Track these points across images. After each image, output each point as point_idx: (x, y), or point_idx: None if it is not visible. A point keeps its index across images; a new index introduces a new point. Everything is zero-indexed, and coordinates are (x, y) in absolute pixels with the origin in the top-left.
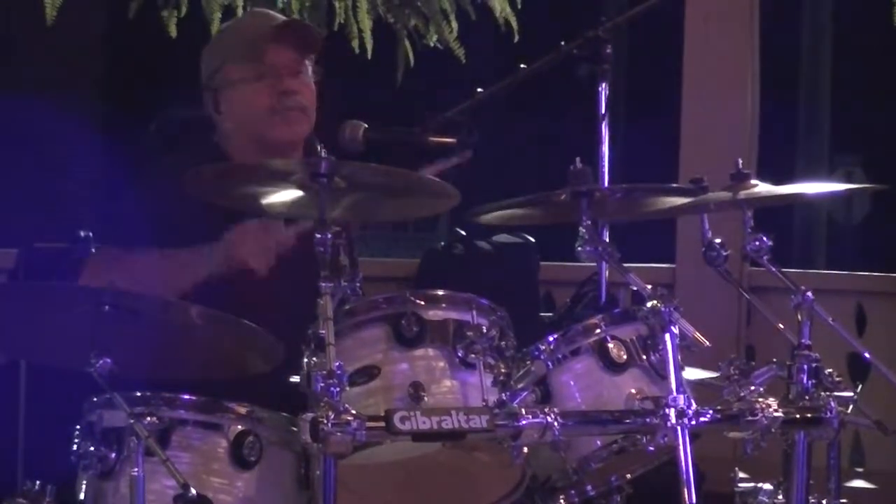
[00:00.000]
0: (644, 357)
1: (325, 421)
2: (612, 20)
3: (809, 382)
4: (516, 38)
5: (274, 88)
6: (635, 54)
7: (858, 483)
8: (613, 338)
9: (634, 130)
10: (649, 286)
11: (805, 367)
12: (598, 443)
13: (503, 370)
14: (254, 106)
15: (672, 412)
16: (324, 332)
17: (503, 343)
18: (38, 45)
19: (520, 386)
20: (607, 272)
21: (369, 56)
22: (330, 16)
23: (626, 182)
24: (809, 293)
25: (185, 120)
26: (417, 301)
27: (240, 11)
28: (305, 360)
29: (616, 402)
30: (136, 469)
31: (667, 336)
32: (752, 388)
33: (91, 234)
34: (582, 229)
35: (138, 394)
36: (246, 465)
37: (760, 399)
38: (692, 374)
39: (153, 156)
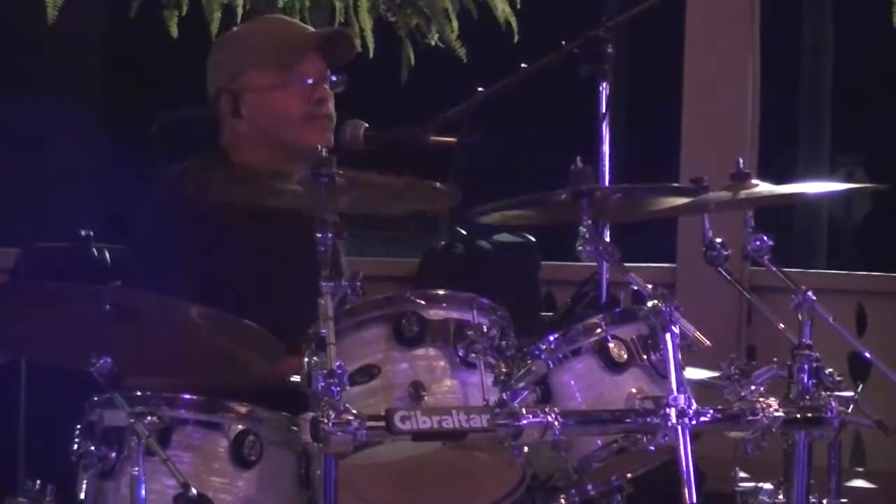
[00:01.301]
0: (645, 357)
1: (326, 420)
2: (612, 19)
3: (810, 382)
4: (516, 38)
5: (307, 96)
6: (636, 54)
7: (859, 483)
8: (614, 337)
9: (636, 130)
10: (650, 286)
11: (806, 366)
12: (599, 442)
13: (504, 370)
14: (286, 112)
15: (673, 412)
16: (324, 331)
17: (504, 342)
18: (39, 44)
19: (520, 385)
20: (608, 272)
21: (371, 55)
22: (331, 15)
23: (626, 182)
24: (810, 293)
25: (186, 120)
26: (418, 300)
27: (239, 11)
28: (306, 359)
29: (617, 401)
30: (136, 468)
31: (667, 335)
32: (753, 387)
33: (92, 233)
34: (582, 229)
35: (138, 393)
36: (246, 465)
37: (761, 399)
38: (693, 373)
39: (157, 159)
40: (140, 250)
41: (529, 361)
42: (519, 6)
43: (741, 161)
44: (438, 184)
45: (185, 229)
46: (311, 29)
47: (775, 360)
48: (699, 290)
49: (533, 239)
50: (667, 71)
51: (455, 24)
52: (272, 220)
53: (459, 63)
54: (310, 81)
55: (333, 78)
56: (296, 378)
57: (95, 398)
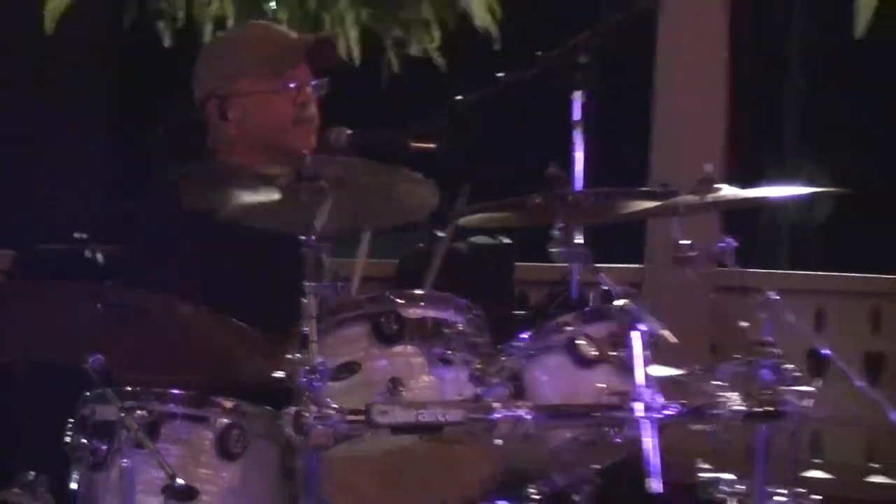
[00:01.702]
0: (613, 353)
1: (308, 414)
2: (587, 30)
3: (770, 378)
4: (497, 47)
5: (292, 100)
6: (609, 61)
7: (817, 473)
8: (584, 335)
9: (609, 135)
10: (619, 286)
11: (766, 363)
12: (569, 435)
13: (479, 366)
14: (276, 116)
15: (639, 406)
16: (307, 329)
17: (479, 340)
18: (39, 46)
19: (494, 381)
20: (579, 272)
21: (356, 64)
22: (318, 25)
23: (599, 186)
24: (772, 293)
25: (193, 123)
26: (397, 300)
27: (230, 21)
28: (290, 356)
29: (586, 396)
30: (126, 461)
31: (635, 333)
32: (716, 383)
33: (86, 236)
34: (555, 231)
35: (129, 389)
36: (231, 457)
37: (724, 394)
38: (660, 370)
39: (162, 161)
40: (142, 251)
41: (503, 358)
42: (499, 16)
43: (708, 166)
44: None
45: (184, 232)
46: (296, 35)
47: (738, 356)
48: (667, 290)
49: (508, 241)
50: (640, 79)
51: (436, 34)
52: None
53: (449, 69)
54: (295, 86)
55: (316, 82)
56: (280, 374)
57: (88, 393)
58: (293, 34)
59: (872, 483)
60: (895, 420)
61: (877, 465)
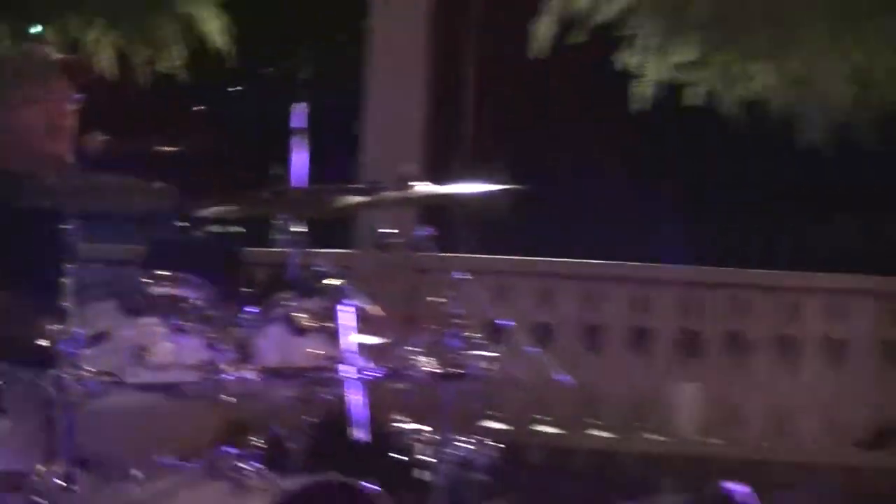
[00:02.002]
0: (326, 324)
1: (66, 376)
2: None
3: (459, 344)
4: (230, 64)
5: (50, 111)
6: (325, 75)
7: (494, 424)
8: (302, 308)
9: (328, 139)
10: (332, 267)
11: (456, 332)
12: (288, 394)
13: (212, 335)
14: (29, 124)
15: (347, 368)
16: (66, 304)
17: (213, 313)
18: None
19: (225, 347)
20: (298, 256)
21: (113, 79)
22: (78, 47)
23: (317, 184)
24: (461, 273)
25: None
26: (143, 279)
27: (2, 42)
28: (51, 326)
29: (302, 360)
30: None
31: (346, 307)
32: (414, 349)
33: None
34: (278, 221)
35: None
36: None
37: (420, 358)
38: (366, 338)
39: None
40: None
41: (233, 328)
42: (234, 36)
43: (407, 166)
44: (157, 183)
45: None
46: (55, 55)
47: (433, 326)
48: (374, 271)
49: (241, 229)
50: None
51: (179, 51)
52: (31, 213)
53: (191, 84)
54: (50, 98)
55: (75, 96)
56: (44, 342)
57: None
58: (52, 54)
59: (541, 432)
60: (560, 379)
61: (545, 417)
